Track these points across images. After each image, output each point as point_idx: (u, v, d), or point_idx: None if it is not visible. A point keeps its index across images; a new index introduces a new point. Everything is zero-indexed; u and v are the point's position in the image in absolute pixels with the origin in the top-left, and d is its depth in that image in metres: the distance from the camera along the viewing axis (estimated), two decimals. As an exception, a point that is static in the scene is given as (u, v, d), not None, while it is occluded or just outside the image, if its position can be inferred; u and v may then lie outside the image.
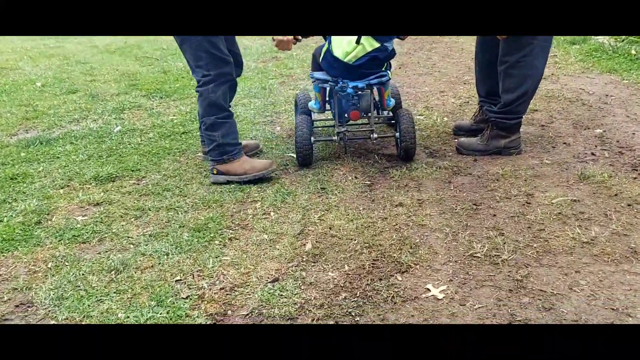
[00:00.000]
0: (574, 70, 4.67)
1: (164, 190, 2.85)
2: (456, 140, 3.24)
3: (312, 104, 3.24)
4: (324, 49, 2.94)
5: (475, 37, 3.31)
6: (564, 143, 3.17)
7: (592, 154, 2.98)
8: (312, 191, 2.73)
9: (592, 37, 5.48)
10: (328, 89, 3.05)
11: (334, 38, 2.85)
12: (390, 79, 3.01)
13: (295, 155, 3.05)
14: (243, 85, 4.87)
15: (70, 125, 4.06)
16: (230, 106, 2.90)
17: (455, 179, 2.78)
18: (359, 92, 2.91)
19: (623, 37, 5.11)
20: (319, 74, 3.03)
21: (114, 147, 3.52)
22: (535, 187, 2.64)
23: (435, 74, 4.90)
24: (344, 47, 2.81)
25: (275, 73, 5.39)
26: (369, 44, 2.79)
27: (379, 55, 2.85)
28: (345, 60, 2.81)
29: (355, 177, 2.87)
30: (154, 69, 5.92)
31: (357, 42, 2.76)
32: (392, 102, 3.22)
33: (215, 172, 2.88)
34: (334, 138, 3.07)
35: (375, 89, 3.06)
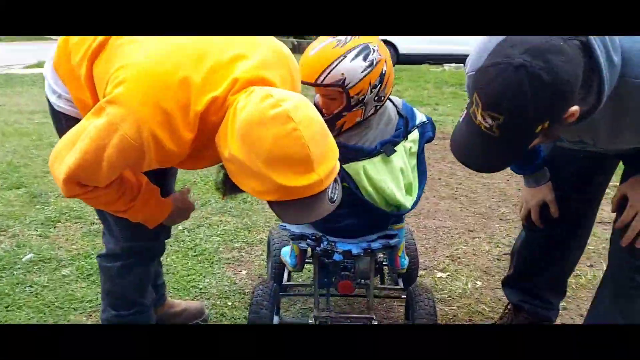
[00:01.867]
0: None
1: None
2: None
3: (285, 255, 2.19)
4: None
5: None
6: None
7: None
8: None
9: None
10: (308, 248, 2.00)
11: (363, 175, 1.77)
12: (401, 238, 1.98)
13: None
14: (218, 195, 3.87)
15: (-20, 240, 3.04)
16: (149, 289, 1.84)
17: None
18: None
19: None
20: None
21: (6, 291, 2.46)
22: None
23: (461, 200, 3.86)
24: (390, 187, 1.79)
25: (265, 179, 4.40)
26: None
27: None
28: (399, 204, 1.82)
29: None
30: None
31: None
32: (406, 261, 2.16)
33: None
34: (310, 321, 2.00)
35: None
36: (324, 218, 1.84)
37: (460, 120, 1.30)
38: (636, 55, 1.21)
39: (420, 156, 1.85)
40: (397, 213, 1.84)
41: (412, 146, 1.81)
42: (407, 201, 1.81)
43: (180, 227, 3.25)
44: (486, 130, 1.15)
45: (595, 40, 1.15)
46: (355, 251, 1.80)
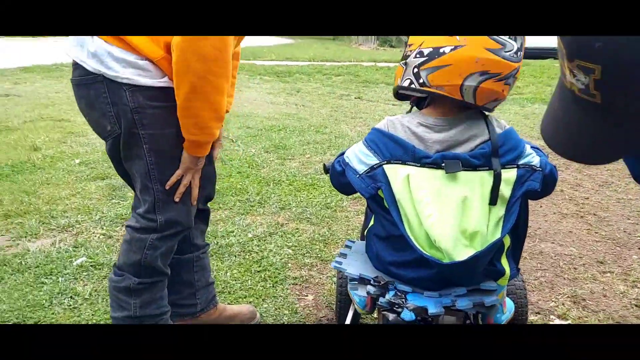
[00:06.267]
0: None
1: None
2: None
3: (354, 295, 1.68)
4: (371, 223, 1.45)
5: None
6: None
7: None
8: None
9: None
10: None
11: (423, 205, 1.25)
12: (500, 298, 1.42)
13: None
14: (300, 197, 3.46)
15: (38, 239, 2.84)
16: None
17: None
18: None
19: None
20: (355, 258, 1.50)
21: (42, 303, 2.20)
22: None
23: (588, 219, 3.14)
24: (457, 222, 1.25)
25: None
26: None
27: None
28: (456, 258, 1.24)
29: None
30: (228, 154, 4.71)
31: (493, 202, 1.26)
32: (505, 316, 1.59)
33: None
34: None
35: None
36: (391, 262, 1.36)
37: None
38: None
39: (512, 207, 1.28)
40: (443, 263, 1.25)
41: (503, 189, 1.26)
42: (458, 250, 1.23)
43: (250, 235, 2.88)
44: (581, 95, 0.69)
45: None
46: (432, 310, 1.28)
